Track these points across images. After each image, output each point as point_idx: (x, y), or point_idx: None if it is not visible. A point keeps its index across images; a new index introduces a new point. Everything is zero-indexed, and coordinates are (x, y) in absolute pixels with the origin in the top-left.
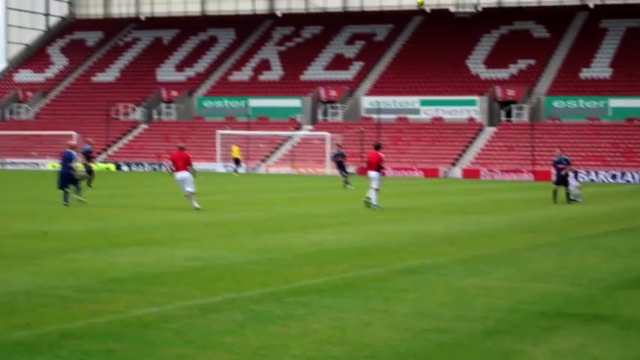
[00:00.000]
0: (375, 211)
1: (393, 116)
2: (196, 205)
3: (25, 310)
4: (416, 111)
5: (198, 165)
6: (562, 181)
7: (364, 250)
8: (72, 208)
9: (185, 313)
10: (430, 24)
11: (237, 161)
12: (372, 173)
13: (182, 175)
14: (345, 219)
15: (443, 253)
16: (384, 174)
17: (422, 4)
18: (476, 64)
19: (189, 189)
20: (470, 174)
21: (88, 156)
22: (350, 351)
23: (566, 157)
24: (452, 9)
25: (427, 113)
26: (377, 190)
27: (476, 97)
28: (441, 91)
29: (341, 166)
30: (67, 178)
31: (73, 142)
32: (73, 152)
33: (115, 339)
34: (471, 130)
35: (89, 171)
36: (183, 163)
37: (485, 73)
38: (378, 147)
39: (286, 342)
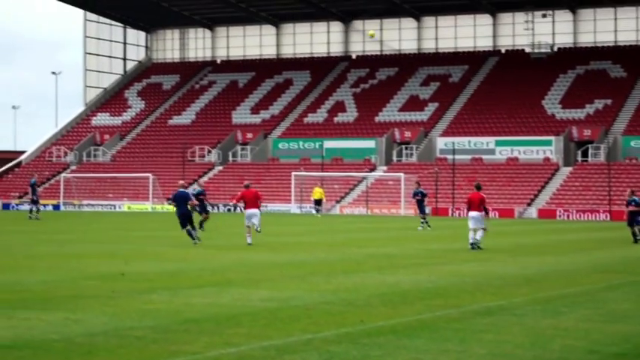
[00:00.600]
0: (451, 252)
1: (467, 157)
2: (250, 240)
3: (103, 350)
4: (491, 151)
5: (274, 206)
6: (633, 221)
7: (440, 291)
8: (150, 248)
9: (262, 353)
10: (505, 64)
11: (318, 202)
12: (474, 214)
13: (253, 211)
14: (420, 260)
15: (519, 293)
16: (487, 214)
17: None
18: (552, 104)
19: (256, 221)
20: (546, 214)
21: (200, 198)
22: None
23: (636, 198)
24: (527, 49)
25: (502, 153)
26: (484, 230)
27: (552, 138)
28: (516, 132)
29: (420, 205)
30: (187, 218)
31: (182, 181)
32: (188, 191)
33: None
34: (547, 170)
35: (205, 211)
36: (254, 200)
37: (561, 113)
38: (479, 187)
39: None
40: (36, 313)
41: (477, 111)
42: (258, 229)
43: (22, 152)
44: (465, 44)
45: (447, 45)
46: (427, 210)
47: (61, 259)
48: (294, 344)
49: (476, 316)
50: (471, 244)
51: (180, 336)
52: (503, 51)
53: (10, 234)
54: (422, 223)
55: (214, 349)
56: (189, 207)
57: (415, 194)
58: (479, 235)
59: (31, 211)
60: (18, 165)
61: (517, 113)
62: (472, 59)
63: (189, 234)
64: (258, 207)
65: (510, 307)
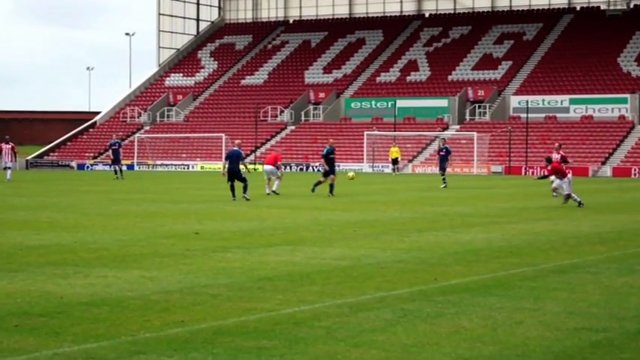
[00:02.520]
0: (524, 210)
1: (541, 115)
2: (266, 190)
3: (179, 307)
4: (565, 109)
5: (346, 165)
6: None
7: (513, 250)
8: (224, 207)
9: (335, 311)
10: (580, 22)
11: (395, 161)
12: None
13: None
14: (493, 218)
15: (594, 252)
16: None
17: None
18: (627, 62)
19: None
20: (620, 172)
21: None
22: (501, 350)
23: None
24: (602, 6)
25: (576, 112)
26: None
27: (627, 95)
28: (590, 90)
29: (443, 161)
30: (234, 174)
31: (239, 141)
32: (241, 151)
33: (267, 336)
34: (622, 128)
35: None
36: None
37: (637, 71)
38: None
39: (437, 340)
40: (112, 271)
41: (551, 69)
42: (276, 190)
43: (97, 113)
44: (540, 1)
45: (521, 2)
46: (498, 169)
47: (136, 219)
48: (367, 302)
49: (550, 274)
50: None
51: (254, 293)
52: (578, 8)
53: (85, 194)
54: (444, 180)
55: (288, 307)
56: (240, 165)
57: (440, 150)
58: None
59: (115, 171)
60: (92, 126)
61: (592, 71)
62: (546, 17)
63: (232, 189)
64: (273, 164)
65: (584, 266)
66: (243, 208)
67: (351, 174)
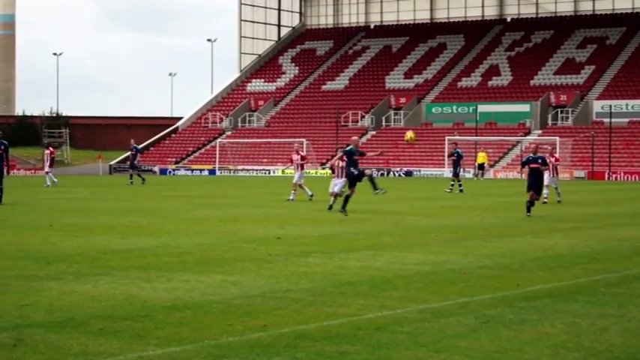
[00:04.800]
0: (607, 216)
1: (625, 120)
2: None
3: (261, 312)
4: None
5: (427, 171)
6: None
7: (596, 255)
8: (305, 212)
9: (418, 316)
10: None
11: (481, 166)
12: None
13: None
14: (576, 223)
15: None
16: None
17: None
18: None
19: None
20: None
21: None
22: (586, 356)
23: None
24: None
25: None
26: None
27: None
28: None
29: (455, 166)
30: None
31: (355, 137)
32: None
33: (349, 341)
34: None
35: None
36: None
37: None
38: None
39: (520, 346)
40: (195, 276)
41: (634, 73)
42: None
43: (179, 118)
44: (623, 5)
45: (604, 6)
46: (582, 174)
47: (217, 223)
48: (450, 307)
49: (634, 280)
50: None
51: (336, 298)
52: None
53: (168, 198)
54: (452, 184)
55: (370, 312)
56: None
57: (451, 155)
58: None
59: (131, 176)
60: (175, 131)
61: None
62: (630, 21)
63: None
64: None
65: None
66: (324, 214)
67: (409, 135)
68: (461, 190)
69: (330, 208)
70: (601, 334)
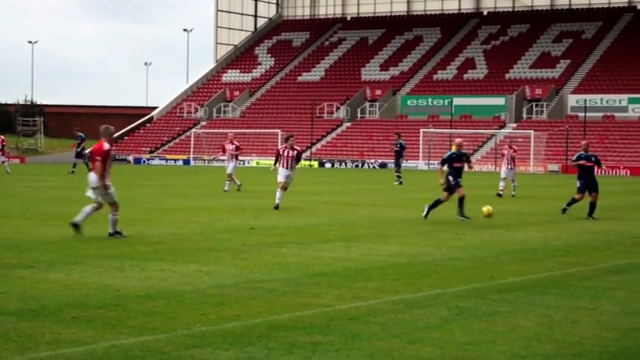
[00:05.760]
0: (581, 209)
1: (599, 114)
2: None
3: (235, 302)
4: (623, 109)
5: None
6: None
7: (570, 249)
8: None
9: (391, 307)
10: None
11: None
12: None
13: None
14: (550, 217)
15: None
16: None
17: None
18: None
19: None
20: None
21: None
22: (558, 349)
23: None
24: None
25: (635, 111)
26: None
27: None
28: None
29: (398, 158)
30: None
31: (459, 140)
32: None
33: (322, 331)
34: None
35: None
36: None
37: None
38: None
39: (493, 338)
40: (168, 265)
41: (609, 68)
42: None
43: (154, 108)
44: (599, 0)
45: (580, 1)
46: (555, 168)
47: (192, 213)
48: (423, 299)
49: (607, 273)
50: None
51: (309, 289)
52: (638, 7)
53: (142, 188)
54: (398, 177)
55: (344, 303)
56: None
57: (395, 145)
58: None
59: (74, 165)
60: (150, 120)
61: None
62: (606, 15)
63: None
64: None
65: None
66: (298, 204)
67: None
68: (400, 183)
69: (277, 207)
70: (573, 327)
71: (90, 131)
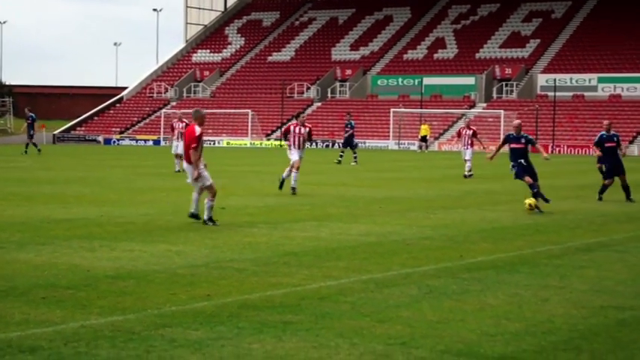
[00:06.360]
0: (552, 188)
1: (569, 94)
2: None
3: (205, 281)
4: (593, 88)
5: (372, 142)
6: None
7: (540, 228)
8: (249, 183)
9: (361, 286)
10: (609, 0)
11: (423, 139)
12: None
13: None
14: (519, 196)
15: (621, 230)
16: None
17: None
18: None
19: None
20: None
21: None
22: (527, 327)
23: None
24: None
25: (605, 90)
26: None
27: None
28: (619, 68)
29: (350, 138)
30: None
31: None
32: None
33: (292, 311)
34: None
35: None
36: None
37: None
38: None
39: (462, 317)
40: (138, 245)
41: (579, 47)
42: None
43: (124, 88)
44: None
45: None
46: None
47: (162, 193)
48: (393, 278)
49: (576, 252)
50: None
51: (280, 268)
52: None
53: (112, 168)
54: (340, 155)
55: (314, 282)
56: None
57: (345, 125)
58: None
59: (27, 145)
60: (119, 101)
61: (621, 50)
62: None
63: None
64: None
65: (611, 244)
66: (268, 184)
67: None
68: (354, 161)
69: (281, 187)
70: (543, 305)
71: (58, 112)
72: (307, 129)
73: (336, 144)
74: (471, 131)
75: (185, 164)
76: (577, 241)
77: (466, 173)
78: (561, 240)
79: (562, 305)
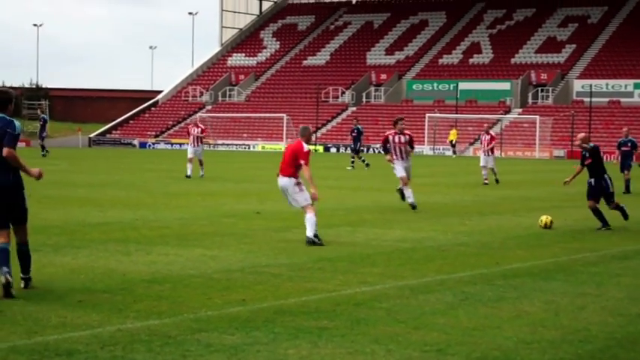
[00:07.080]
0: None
1: (605, 99)
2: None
3: (240, 286)
4: (629, 94)
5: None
6: None
7: (576, 234)
8: None
9: (396, 293)
10: None
11: (452, 144)
12: None
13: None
14: (555, 202)
15: None
16: None
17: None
18: None
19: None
20: None
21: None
22: (564, 335)
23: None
24: None
25: None
26: None
27: None
28: None
29: (355, 142)
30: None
31: (625, 129)
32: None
33: (328, 316)
34: None
35: None
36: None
37: None
38: None
39: (498, 324)
40: (174, 249)
41: (615, 53)
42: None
43: (159, 92)
44: None
45: None
46: (561, 153)
47: (197, 197)
48: (428, 284)
49: (612, 259)
50: None
51: (315, 274)
52: None
53: (148, 172)
54: (352, 162)
55: (349, 288)
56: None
57: (352, 131)
58: None
59: (43, 147)
60: (154, 104)
61: None
62: (611, 0)
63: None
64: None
65: None
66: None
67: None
68: (367, 165)
69: (403, 197)
70: (579, 313)
71: (95, 115)
72: (407, 137)
73: (371, 148)
74: (489, 136)
75: (280, 181)
76: (613, 249)
77: (485, 181)
78: (597, 247)
79: (598, 313)
